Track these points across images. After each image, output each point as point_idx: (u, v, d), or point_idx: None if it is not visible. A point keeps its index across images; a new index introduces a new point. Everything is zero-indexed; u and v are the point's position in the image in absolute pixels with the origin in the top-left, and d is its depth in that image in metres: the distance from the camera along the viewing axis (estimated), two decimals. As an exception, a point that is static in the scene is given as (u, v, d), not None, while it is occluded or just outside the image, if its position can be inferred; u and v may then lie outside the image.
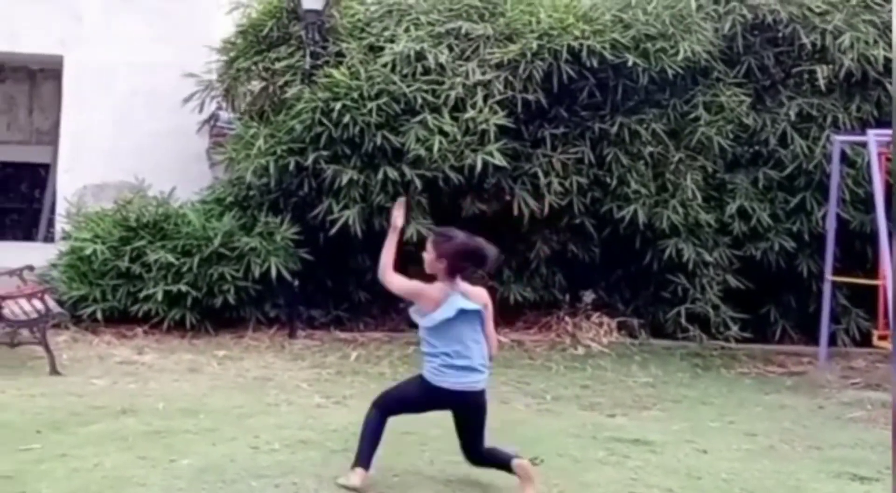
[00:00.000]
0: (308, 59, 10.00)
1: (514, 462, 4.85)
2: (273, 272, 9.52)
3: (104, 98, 11.71)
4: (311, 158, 9.58)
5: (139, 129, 11.51)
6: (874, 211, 8.84)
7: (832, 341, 9.87)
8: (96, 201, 10.95)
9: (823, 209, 9.84)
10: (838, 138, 9.56)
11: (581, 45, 9.60)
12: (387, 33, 10.12)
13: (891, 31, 9.80)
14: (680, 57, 9.75)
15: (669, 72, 9.78)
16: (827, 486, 5.42)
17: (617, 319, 10.22)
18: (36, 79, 14.16)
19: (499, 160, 9.48)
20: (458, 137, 9.47)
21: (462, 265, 4.80)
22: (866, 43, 9.94)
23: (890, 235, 8.48)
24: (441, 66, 9.72)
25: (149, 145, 11.38)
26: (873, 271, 9.62)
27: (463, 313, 4.75)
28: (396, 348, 9.26)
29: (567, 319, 10.19)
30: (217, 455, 5.35)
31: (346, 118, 9.43)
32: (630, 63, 9.70)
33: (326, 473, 5.01)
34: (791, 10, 10.11)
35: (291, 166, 9.68)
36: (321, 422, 6.28)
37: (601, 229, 10.28)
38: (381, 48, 9.97)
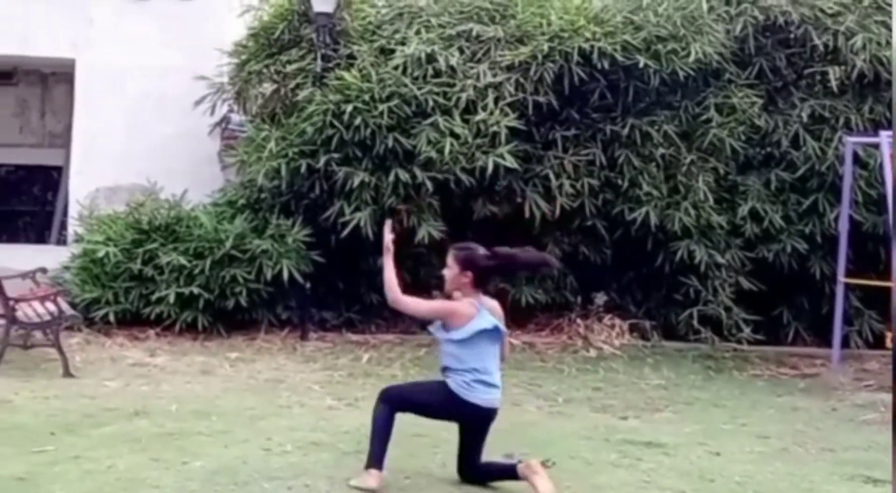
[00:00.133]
0: (319, 61, 10.02)
1: (518, 467, 4.86)
2: (285, 274, 9.52)
3: (116, 101, 11.71)
4: (322, 160, 9.59)
5: (151, 132, 11.51)
6: (886, 212, 8.81)
7: (845, 343, 9.82)
8: (108, 204, 10.95)
9: (836, 211, 9.78)
10: (851, 140, 9.53)
11: (592, 46, 9.58)
12: (398, 36, 10.12)
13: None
14: (691, 58, 9.72)
15: (681, 73, 9.75)
16: (840, 488, 5.42)
17: (629, 321, 10.19)
18: (48, 82, 14.20)
19: (510, 162, 9.47)
20: (470, 140, 9.47)
21: (490, 277, 4.85)
22: (878, 44, 9.87)
23: (902, 236, 8.46)
24: (452, 68, 9.72)
25: (160, 148, 11.38)
26: (886, 273, 9.56)
27: (487, 330, 4.78)
28: (408, 351, 9.25)
29: (579, 321, 10.16)
30: (229, 457, 5.37)
31: (358, 121, 9.44)
32: (641, 65, 9.67)
33: (338, 475, 5.03)
34: (803, 12, 10.06)
35: (303, 169, 9.70)
36: (333, 424, 6.29)
37: (613, 231, 10.25)
38: (392, 51, 9.97)
